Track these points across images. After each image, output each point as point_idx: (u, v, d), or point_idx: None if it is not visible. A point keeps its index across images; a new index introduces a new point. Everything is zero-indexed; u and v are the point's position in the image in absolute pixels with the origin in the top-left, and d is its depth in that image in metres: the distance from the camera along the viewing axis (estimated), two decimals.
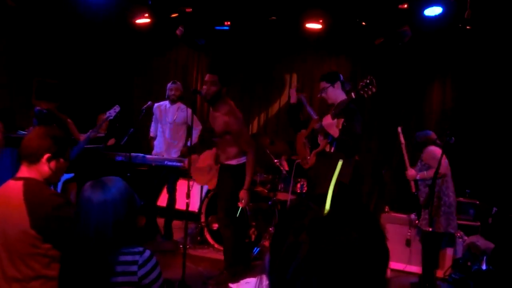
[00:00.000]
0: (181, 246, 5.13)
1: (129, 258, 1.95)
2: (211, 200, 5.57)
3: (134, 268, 1.94)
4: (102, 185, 1.97)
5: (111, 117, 5.11)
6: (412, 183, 4.79)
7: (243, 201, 4.32)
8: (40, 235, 2.19)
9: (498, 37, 6.06)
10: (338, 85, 4.24)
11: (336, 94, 4.23)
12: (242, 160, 4.38)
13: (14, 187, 2.28)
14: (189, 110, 5.57)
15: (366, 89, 3.74)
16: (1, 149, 3.00)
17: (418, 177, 4.70)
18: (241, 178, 4.35)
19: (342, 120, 4.01)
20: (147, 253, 1.99)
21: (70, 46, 7.29)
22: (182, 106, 5.79)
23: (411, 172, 4.75)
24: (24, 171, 2.34)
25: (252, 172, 4.38)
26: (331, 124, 4.04)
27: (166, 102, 5.81)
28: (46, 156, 2.33)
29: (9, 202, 2.24)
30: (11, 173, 2.43)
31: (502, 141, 6.24)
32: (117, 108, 5.14)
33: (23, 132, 5.78)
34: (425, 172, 4.62)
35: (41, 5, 6.56)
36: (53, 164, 2.36)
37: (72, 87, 7.21)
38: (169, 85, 5.80)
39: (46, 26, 6.86)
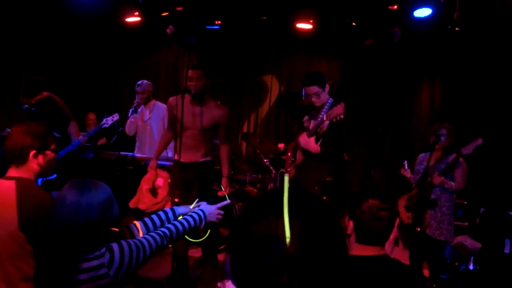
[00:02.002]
0: (170, 245, 5.10)
1: (95, 263, 1.90)
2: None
3: (103, 270, 1.89)
4: (81, 186, 1.93)
5: (107, 126, 4.88)
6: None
7: (227, 188, 4.44)
8: (26, 235, 2.15)
9: (487, 38, 6.11)
10: (327, 87, 4.19)
11: (325, 97, 4.17)
12: (212, 155, 4.51)
13: (6, 186, 2.24)
14: (163, 107, 5.65)
15: (335, 114, 3.75)
16: None
17: (440, 184, 4.33)
18: (213, 174, 4.55)
19: (327, 123, 3.95)
20: (107, 248, 1.94)
21: (59, 44, 7.23)
22: (157, 103, 5.85)
23: (440, 178, 4.32)
24: (15, 172, 2.31)
25: (229, 161, 4.57)
26: (308, 142, 3.99)
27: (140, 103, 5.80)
28: (32, 153, 2.29)
29: (0, 202, 2.21)
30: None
31: (490, 142, 6.29)
32: (115, 117, 4.90)
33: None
34: (453, 183, 4.33)
35: (30, 2, 6.51)
36: (40, 159, 2.32)
37: (61, 85, 7.15)
38: (135, 87, 5.78)
39: (34, 24, 6.80)
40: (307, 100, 4.25)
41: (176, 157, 4.32)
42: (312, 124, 4.11)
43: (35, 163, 2.31)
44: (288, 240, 0.85)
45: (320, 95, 4.14)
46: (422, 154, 4.70)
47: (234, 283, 0.92)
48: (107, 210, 1.95)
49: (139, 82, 5.77)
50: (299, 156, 4.25)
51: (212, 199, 2.35)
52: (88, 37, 7.59)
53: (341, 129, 3.96)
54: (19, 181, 2.26)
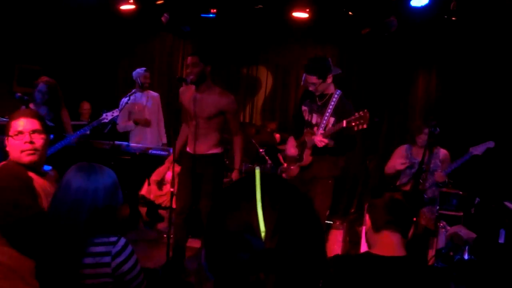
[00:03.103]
0: (164, 235, 5.09)
1: (101, 249, 1.88)
2: None
3: (107, 259, 1.87)
4: (87, 170, 1.92)
5: (106, 121, 4.76)
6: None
7: None
8: None
9: (484, 28, 6.09)
10: (330, 78, 3.94)
11: (325, 87, 3.97)
12: (222, 148, 4.29)
13: None
14: (157, 95, 5.86)
15: (357, 123, 3.59)
16: None
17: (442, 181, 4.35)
18: (223, 167, 4.34)
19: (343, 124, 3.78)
20: (121, 242, 1.92)
21: (53, 32, 7.15)
22: (151, 92, 5.93)
23: (444, 176, 4.32)
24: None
25: (242, 153, 4.33)
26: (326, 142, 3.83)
27: (135, 92, 5.74)
28: (5, 139, 2.35)
29: None
30: None
31: (485, 132, 6.29)
32: (115, 113, 4.79)
33: (4, 119, 5.66)
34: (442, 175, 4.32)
35: None
36: (6, 145, 2.37)
37: (55, 74, 7.07)
38: (143, 72, 5.75)
39: (28, 12, 6.71)
40: (305, 86, 4.05)
41: (187, 148, 4.24)
42: (317, 119, 4.02)
43: (6, 148, 2.37)
44: (263, 234, 0.83)
45: (318, 86, 3.93)
46: (406, 146, 4.65)
47: (211, 278, 0.90)
48: (113, 195, 1.95)
49: (144, 68, 5.78)
50: (307, 156, 4.07)
51: None
52: (82, 25, 7.50)
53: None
54: (6, 163, 2.33)
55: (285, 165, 4.31)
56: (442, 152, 4.45)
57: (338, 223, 4.87)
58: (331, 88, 4.03)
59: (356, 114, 3.64)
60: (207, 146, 4.19)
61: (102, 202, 1.89)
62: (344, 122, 3.69)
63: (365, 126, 3.57)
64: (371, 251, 2.05)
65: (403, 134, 7.05)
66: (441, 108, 6.72)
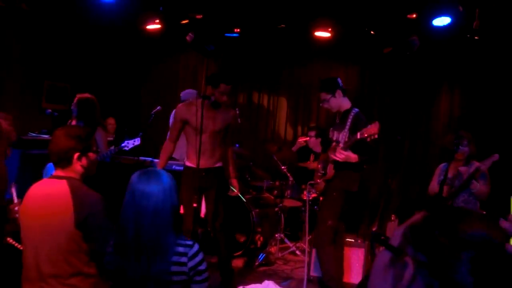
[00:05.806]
0: None
1: (181, 249, 2.03)
2: None
3: (184, 259, 2.02)
4: (156, 175, 2.06)
5: (127, 149, 4.86)
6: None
7: (237, 188, 4.54)
8: (82, 233, 2.27)
9: (506, 47, 6.07)
10: (339, 93, 4.15)
11: (338, 102, 4.18)
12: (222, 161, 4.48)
13: (59, 185, 2.34)
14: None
15: (370, 133, 3.72)
16: (11, 142, 2.94)
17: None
18: (227, 180, 4.53)
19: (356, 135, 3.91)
20: (196, 247, 2.08)
21: (81, 50, 7.36)
22: None
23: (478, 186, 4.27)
24: (62, 172, 2.42)
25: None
26: (348, 155, 3.94)
27: None
28: (76, 155, 2.40)
29: (54, 199, 2.31)
30: (17, 175, 2.49)
31: (510, 151, 6.23)
32: (136, 142, 4.88)
33: (34, 134, 5.83)
34: (477, 184, 4.26)
35: (54, 10, 6.65)
36: (84, 160, 2.44)
37: (82, 91, 7.26)
38: (196, 96, 5.91)
39: (57, 31, 6.94)
40: (322, 106, 4.40)
41: (187, 163, 4.34)
42: (337, 136, 4.15)
43: (78, 164, 2.43)
44: None
45: (330, 101, 4.17)
46: (443, 164, 4.70)
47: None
48: (176, 189, 2.12)
49: (197, 91, 5.99)
50: (330, 170, 4.21)
51: None
52: (109, 44, 7.72)
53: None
54: (70, 180, 2.37)
55: (318, 180, 4.44)
56: (474, 166, 4.33)
57: (360, 241, 4.86)
58: (345, 105, 4.20)
59: (368, 126, 3.78)
60: (214, 160, 4.34)
61: (176, 198, 2.07)
62: (358, 134, 3.84)
63: (376, 136, 3.70)
64: None
65: (425, 152, 7.03)
66: (464, 127, 6.67)
